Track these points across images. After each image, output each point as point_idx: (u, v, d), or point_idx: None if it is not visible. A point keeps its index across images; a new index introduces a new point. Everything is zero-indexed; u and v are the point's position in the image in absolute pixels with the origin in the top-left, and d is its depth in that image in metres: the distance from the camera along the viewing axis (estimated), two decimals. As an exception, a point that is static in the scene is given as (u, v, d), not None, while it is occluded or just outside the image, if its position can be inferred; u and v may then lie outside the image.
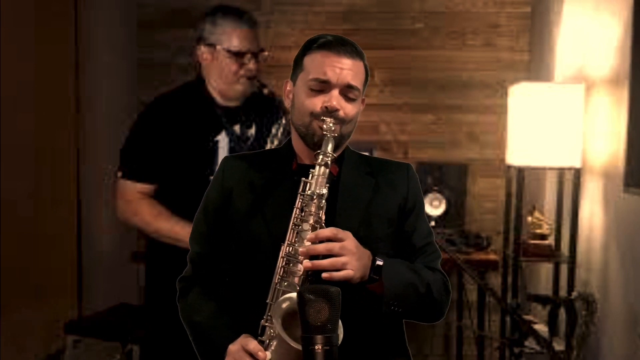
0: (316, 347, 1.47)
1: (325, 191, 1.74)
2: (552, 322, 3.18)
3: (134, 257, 4.27)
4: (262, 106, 2.98)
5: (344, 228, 1.76)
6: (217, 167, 2.80)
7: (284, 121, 3.00)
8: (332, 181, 1.83)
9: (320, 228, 1.72)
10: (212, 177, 2.77)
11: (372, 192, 1.88)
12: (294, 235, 1.73)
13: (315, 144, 1.80)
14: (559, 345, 3.10)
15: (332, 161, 1.77)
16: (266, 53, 2.92)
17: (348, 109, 1.82)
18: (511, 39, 4.65)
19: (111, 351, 3.86)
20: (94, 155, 4.35)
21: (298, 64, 1.88)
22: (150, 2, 4.74)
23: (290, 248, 1.72)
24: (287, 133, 3.01)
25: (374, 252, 1.76)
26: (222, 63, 2.84)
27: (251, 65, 2.85)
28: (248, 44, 2.84)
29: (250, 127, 2.96)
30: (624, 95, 2.80)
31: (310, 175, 1.76)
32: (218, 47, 2.83)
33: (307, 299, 1.48)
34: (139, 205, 2.86)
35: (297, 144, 1.90)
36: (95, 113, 4.40)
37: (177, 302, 1.96)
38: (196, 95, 2.90)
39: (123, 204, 2.89)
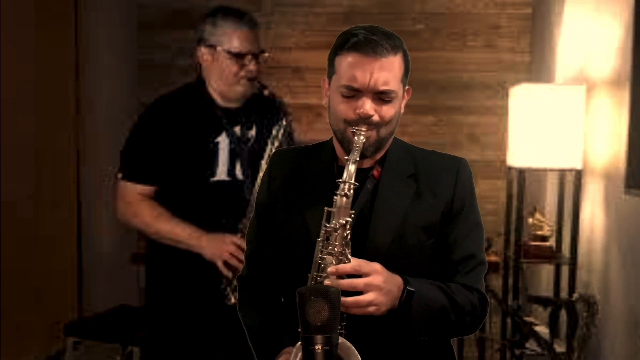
0: (316, 347, 1.47)
1: (349, 219, 1.68)
2: (553, 324, 3.17)
3: (134, 258, 4.27)
4: (262, 107, 2.97)
5: (377, 241, 1.74)
6: (217, 169, 2.84)
7: (284, 122, 3.00)
8: (373, 185, 1.80)
9: (344, 259, 1.67)
10: (212, 179, 2.82)
11: (412, 200, 1.79)
12: (320, 266, 1.70)
13: (350, 151, 1.74)
14: (559, 347, 3.10)
15: (354, 189, 1.69)
16: (266, 54, 2.91)
17: (384, 111, 1.74)
18: (512, 40, 4.65)
19: (111, 353, 3.86)
20: (94, 156, 4.35)
21: (331, 63, 1.79)
22: (151, 3, 4.74)
23: (316, 279, 1.69)
24: (287, 134, 3.00)
25: (406, 269, 1.71)
26: (222, 64, 2.83)
27: (252, 66, 2.85)
28: (248, 45, 2.84)
29: (250, 128, 2.95)
30: (625, 96, 2.80)
31: (334, 203, 1.69)
32: (218, 48, 2.82)
33: (307, 298, 1.48)
34: (139, 207, 2.85)
35: (337, 147, 1.85)
36: (95, 114, 4.41)
37: (238, 294, 2.03)
38: (196, 97, 2.89)
39: (123, 206, 2.89)
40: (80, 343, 3.89)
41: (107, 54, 4.51)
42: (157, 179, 2.84)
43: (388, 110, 1.74)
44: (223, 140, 2.86)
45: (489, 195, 4.66)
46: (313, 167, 1.87)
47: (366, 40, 1.71)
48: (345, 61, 1.73)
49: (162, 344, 2.97)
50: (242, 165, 2.86)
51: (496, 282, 4.21)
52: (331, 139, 1.89)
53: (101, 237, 4.49)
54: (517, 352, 3.27)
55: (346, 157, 1.71)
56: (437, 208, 1.80)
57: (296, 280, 1.76)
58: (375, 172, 1.82)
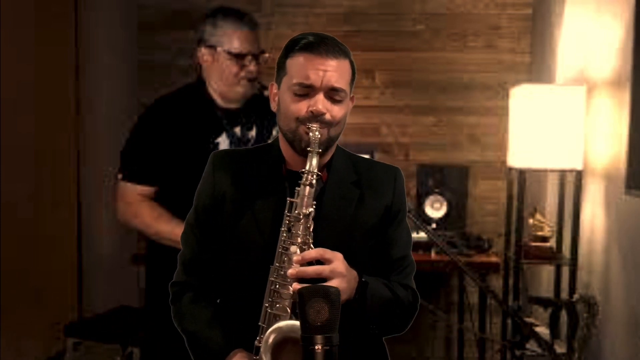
0: (316, 347, 1.47)
1: (312, 210, 1.73)
2: (553, 325, 3.17)
3: (134, 259, 4.26)
4: (262, 108, 2.96)
5: (325, 241, 1.76)
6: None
7: (284, 123, 2.99)
8: (320, 187, 1.83)
9: (308, 249, 1.71)
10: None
11: (356, 205, 1.85)
12: (283, 257, 1.72)
13: (302, 149, 1.78)
14: (560, 348, 3.10)
15: (317, 179, 1.74)
16: (267, 55, 2.91)
17: (335, 111, 1.78)
18: (512, 41, 4.65)
19: (111, 354, 3.85)
20: (94, 157, 4.35)
21: (281, 67, 1.84)
22: (151, 3, 4.74)
23: (280, 270, 1.71)
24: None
25: (353, 267, 1.75)
26: (222, 65, 2.83)
27: (252, 67, 2.85)
28: (249, 45, 2.84)
29: (250, 129, 2.95)
30: (626, 97, 2.80)
31: (296, 193, 1.74)
32: (219, 48, 2.82)
33: (307, 299, 1.48)
34: (140, 208, 2.85)
35: (286, 149, 1.87)
36: (95, 115, 4.41)
37: (170, 304, 1.96)
38: (197, 97, 2.89)
39: (123, 206, 2.88)
40: (80, 344, 3.89)
41: (107, 54, 4.51)
42: (158, 179, 2.84)
43: (339, 111, 1.80)
44: (223, 141, 2.86)
45: (489, 196, 4.67)
46: (260, 169, 1.89)
47: (318, 43, 1.78)
48: (298, 61, 1.79)
49: (162, 344, 2.96)
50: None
51: (496, 282, 4.21)
52: (275, 141, 1.93)
53: (101, 238, 4.49)
54: (517, 352, 3.26)
55: (309, 149, 1.75)
56: (378, 211, 1.88)
57: (244, 280, 1.81)
58: (322, 176, 1.86)
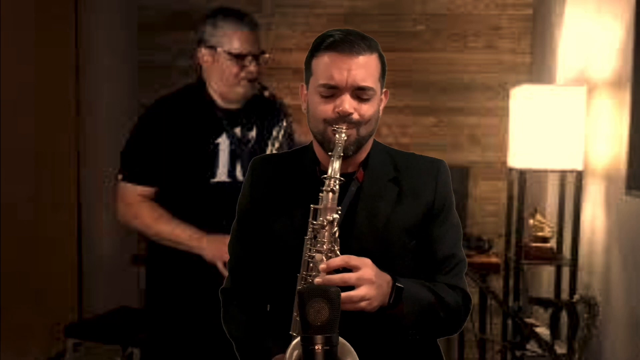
0: (316, 347, 1.47)
1: (336, 216, 1.68)
2: (553, 325, 3.17)
3: (134, 260, 4.26)
4: (263, 109, 2.97)
5: (360, 243, 1.74)
6: (218, 170, 2.84)
7: (284, 124, 2.99)
8: (357, 188, 1.80)
9: (334, 256, 1.67)
10: (213, 180, 2.81)
11: (395, 203, 1.79)
12: (309, 265, 1.69)
13: (332, 151, 1.73)
14: (560, 349, 3.10)
15: (339, 184, 1.70)
16: (267, 55, 2.91)
17: (363, 109, 1.73)
18: (513, 41, 4.65)
19: (112, 354, 3.86)
20: (95, 158, 4.35)
21: (308, 68, 1.80)
22: (151, 4, 4.75)
23: (307, 279, 1.69)
24: (288, 135, 3.00)
25: (391, 270, 1.70)
26: (222, 65, 2.83)
27: (252, 67, 2.84)
28: (249, 46, 2.83)
29: (251, 129, 2.94)
30: (626, 97, 2.79)
31: (320, 200, 1.70)
32: (219, 49, 2.82)
33: (307, 299, 1.48)
34: (140, 208, 2.85)
35: (318, 151, 1.85)
36: (95, 116, 4.41)
37: (221, 307, 1.97)
38: (197, 98, 2.89)
39: (123, 207, 2.88)
40: (80, 344, 3.89)
41: (107, 55, 4.51)
42: (158, 180, 2.84)
43: (367, 109, 1.75)
44: (223, 142, 2.86)
45: (489, 196, 4.67)
46: (295, 172, 1.86)
47: (342, 40, 1.73)
48: (322, 61, 1.74)
49: (162, 345, 2.96)
50: (242, 167, 2.86)
51: (497, 283, 4.21)
52: (310, 144, 1.89)
53: (101, 239, 4.49)
54: (517, 353, 3.26)
55: (330, 154, 1.71)
56: (418, 210, 1.81)
57: (283, 285, 1.77)
58: (358, 176, 1.82)
